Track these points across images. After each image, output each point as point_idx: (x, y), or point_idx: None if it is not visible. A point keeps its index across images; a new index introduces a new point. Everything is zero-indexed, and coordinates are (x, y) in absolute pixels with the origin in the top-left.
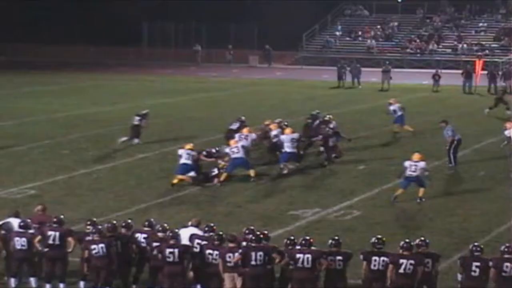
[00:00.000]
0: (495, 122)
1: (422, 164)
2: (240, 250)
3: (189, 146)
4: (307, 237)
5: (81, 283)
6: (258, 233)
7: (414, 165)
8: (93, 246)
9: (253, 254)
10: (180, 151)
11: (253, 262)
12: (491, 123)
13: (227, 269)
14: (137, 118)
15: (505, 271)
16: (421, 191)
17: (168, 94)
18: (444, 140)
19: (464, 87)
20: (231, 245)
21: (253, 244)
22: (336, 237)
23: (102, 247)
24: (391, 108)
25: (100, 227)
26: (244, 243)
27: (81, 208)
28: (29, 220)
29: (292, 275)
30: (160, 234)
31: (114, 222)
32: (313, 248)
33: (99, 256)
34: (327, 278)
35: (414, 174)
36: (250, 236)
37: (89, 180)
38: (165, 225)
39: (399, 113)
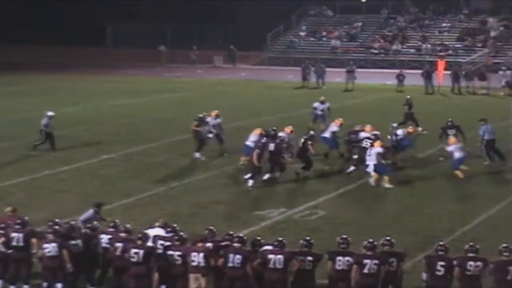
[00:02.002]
0: (458, 122)
1: (377, 149)
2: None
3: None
4: (280, 238)
5: (59, 285)
6: (241, 235)
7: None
8: (45, 245)
9: (230, 256)
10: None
11: (230, 264)
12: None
13: (191, 270)
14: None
15: (469, 270)
16: (380, 178)
17: (133, 95)
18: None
19: (426, 88)
20: (199, 244)
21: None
22: (308, 238)
23: (54, 247)
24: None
25: (57, 227)
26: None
27: (45, 209)
28: None
29: (263, 276)
30: (122, 235)
31: (73, 222)
32: (285, 249)
33: (51, 256)
34: (295, 279)
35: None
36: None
37: (53, 181)
38: (128, 225)
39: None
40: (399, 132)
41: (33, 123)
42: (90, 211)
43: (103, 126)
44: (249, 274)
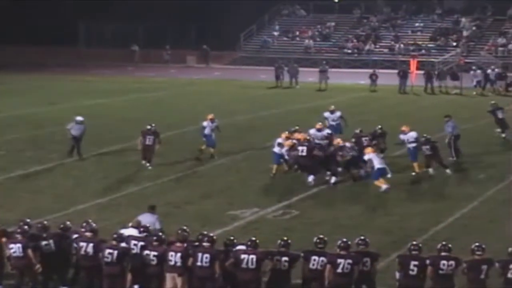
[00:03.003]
0: (432, 122)
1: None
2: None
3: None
4: (253, 238)
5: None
6: (210, 235)
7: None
8: (11, 246)
9: (199, 255)
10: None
11: (198, 263)
12: (428, 122)
13: (168, 269)
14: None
15: (442, 269)
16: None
17: (105, 95)
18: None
19: (400, 87)
20: (178, 244)
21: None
22: (285, 238)
23: (19, 247)
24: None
25: (26, 227)
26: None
27: (18, 209)
28: None
29: (236, 276)
30: (88, 234)
31: (45, 222)
32: (258, 249)
33: (16, 256)
34: (271, 279)
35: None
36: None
37: (27, 181)
38: (94, 225)
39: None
40: None
41: (7, 123)
42: (148, 216)
43: None
44: (218, 274)
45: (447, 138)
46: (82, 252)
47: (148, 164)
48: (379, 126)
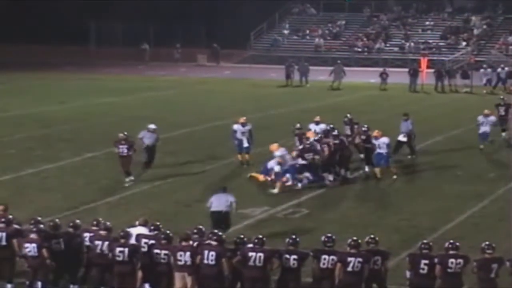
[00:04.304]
0: (441, 121)
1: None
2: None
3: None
4: (260, 236)
5: (38, 284)
6: (220, 234)
7: None
8: (26, 245)
9: (205, 253)
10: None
11: (205, 261)
12: (437, 122)
13: (177, 268)
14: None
15: (450, 267)
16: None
17: (116, 93)
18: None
19: (411, 86)
20: (184, 243)
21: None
22: (294, 236)
23: (34, 247)
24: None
25: (41, 226)
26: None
27: (29, 208)
28: None
29: (243, 274)
30: (102, 233)
31: (57, 220)
32: (265, 247)
33: (31, 256)
34: (281, 277)
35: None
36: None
37: (37, 180)
38: (108, 223)
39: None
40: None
41: (17, 122)
42: (222, 195)
43: (87, 125)
44: (227, 272)
45: (406, 137)
46: (98, 250)
47: (127, 179)
48: (331, 125)
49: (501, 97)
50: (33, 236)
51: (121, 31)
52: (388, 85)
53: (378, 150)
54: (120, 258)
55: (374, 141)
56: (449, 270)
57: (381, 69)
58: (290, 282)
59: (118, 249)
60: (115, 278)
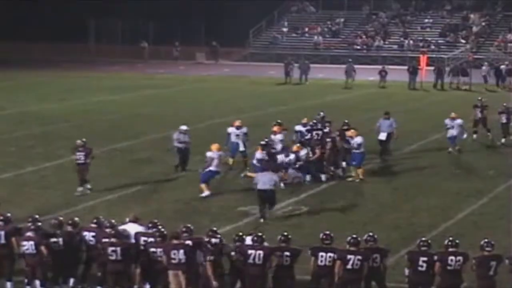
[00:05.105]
0: (440, 118)
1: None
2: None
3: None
4: (260, 233)
5: (37, 282)
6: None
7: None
8: (24, 243)
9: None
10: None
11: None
12: (436, 119)
13: (171, 267)
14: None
15: (450, 265)
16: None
17: (115, 91)
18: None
19: (410, 83)
20: (175, 241)
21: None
22: (285, 233)
23: (31, 245)
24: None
25: (39, 224)
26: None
27: (28, 206)
28: None
29: (243, 271)
30: (107, 230)
31: (61, 218)
32: (265, 244)
33: (29, 254)
34: (274, 275)
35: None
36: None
37: (36, 177)
38: (113, 221)
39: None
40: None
41: (17, 120)
42: (267, 174)
43: (86, 122)
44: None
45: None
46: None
47: (81, 188)
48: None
49: (479, 98)
50: (30, 234)
51: (120, 29)
52: (387, 82)
53: (353, 151)
54: (114, 257)
55: (350, 140)
56: (448, 268)
57: (380, 67)
58: (284, 279)
59: (111, 248)
60: (110, 277)
